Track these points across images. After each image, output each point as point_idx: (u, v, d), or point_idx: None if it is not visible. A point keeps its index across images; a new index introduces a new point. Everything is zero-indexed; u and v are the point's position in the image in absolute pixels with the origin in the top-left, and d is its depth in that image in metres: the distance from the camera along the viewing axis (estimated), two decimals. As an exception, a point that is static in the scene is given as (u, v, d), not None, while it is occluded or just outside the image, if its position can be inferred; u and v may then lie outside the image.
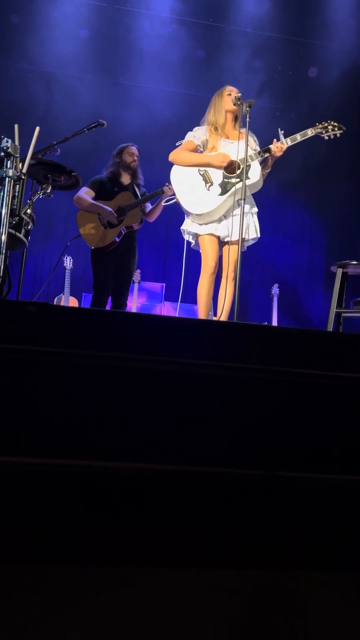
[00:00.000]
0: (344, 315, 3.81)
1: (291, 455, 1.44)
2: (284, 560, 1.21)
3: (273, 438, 1.46)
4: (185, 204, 3.13)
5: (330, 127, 3.10)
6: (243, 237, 2.95)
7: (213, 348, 1.53)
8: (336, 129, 3.11)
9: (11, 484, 1.22)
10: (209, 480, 1.36)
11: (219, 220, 3.10)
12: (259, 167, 3.07)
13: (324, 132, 3.11)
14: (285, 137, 3.06)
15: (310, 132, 3.10)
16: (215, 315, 3.54)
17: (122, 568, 1.16)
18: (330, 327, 3.74)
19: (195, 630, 1.08)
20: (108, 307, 3.99)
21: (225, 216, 3.10)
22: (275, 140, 3.08)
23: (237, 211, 3.03)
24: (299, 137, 3.07)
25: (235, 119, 3.16)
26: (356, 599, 1.17)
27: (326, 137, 3.14)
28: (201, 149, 3.19)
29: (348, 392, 1.52)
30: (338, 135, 3.13)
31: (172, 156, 3.18)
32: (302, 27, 5.88)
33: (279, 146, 3.04)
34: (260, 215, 3.22)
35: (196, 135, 3.18)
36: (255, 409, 1.47)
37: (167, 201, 3.63)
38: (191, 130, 3.23)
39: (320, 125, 3.11)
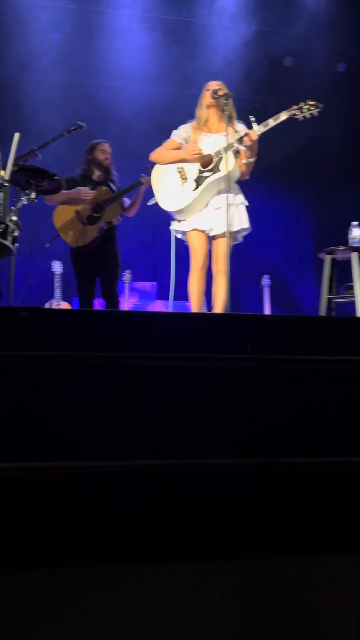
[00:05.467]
0: (335, 301, 3.83)
1: (291, 441, 1.45)
2: (279, 547, 1.22)
3: (272, 425, 1.47)
4: (161, 202, 3.18)
5: (305, 107, 3.00)
6: (228, 229, 2.95)
7: (205, 341, 1.54)
8: (312, 107, 3.00)
9: (11, 489, 1.22)
10: (215, 472, 1.36)
11: (201, 214, 3.10)
12: (233, 158, 3.07)
13: (298, 113, 3.01)
14: (258, 123, 3.02)
15: (283, 115, 3.01)
16: (210, 310, 3.54)
17: (123, 566, 1.17)
18: (322, 314, 3.76)
19: (195, 622, 1.09)
20: (97, 308, 3.95)
21: (207, 209, 3.11)
22: (246, 130, 3.07)
23: (220, 203, 3.04)
24: (271, 122, 3.00)
25: (222, 112, 3.13)
26: (350, 581, 1.19)
27: (301, 118, 3.03)
28: (184, 147, 3.20)
29: (343, 375, 1.53)
30: (315, 114, 3.01)
31: (152, 155, 3.22)
32: (275, 17, 5.89)
33: (250, 134, 2.99)
34: (247, 207, 3.22)
35: (178, 133, 3.21)
36: (253, 398, 1.48)
37: (150, 201, 3.60)
38: (175, 128, 3.26)
39: (295, 107, 3.02)
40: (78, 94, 5.90)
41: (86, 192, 3.62)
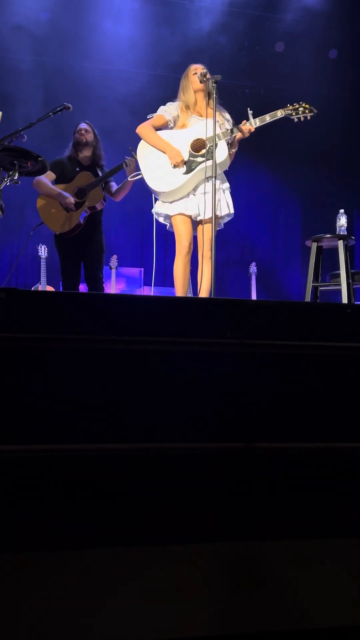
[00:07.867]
0: (320, 288, 3.83)
1: (270, 426, 1.46)
2: (259, 530, 1.23)
3: (252, 410, 1.47)
4: (149, 181, 3.11)
5: (301, 109, 3.06)
6: (215, 213, 2.93)
7: (187, 325, 1.53)
8: (307, 111, 3.06)
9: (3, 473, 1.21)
10: (197, 456, 1.36)
11: (188, 199, 3.08)
12: (226, 147, 3.05)
13: (294, 114, 3.06)
14: (254, 117, 3.03)
15: (279, 114, 3.05)
16: (196, 296, 3.52)
17: (116, 549, 1.17)
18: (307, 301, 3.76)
19: (175, 603, 1.10)
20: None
21: (193, 194, 3.08)
22: (244, 120, 3.05)
23: (207, 189, 3.01)
24: (268, 118, 3.03)
25: (209, 95, 3.09)
26: (335, 563, 1.20)
27: (296, 119, 3.09)
28: (172, 125, 3.16)
29: (323, 360, 1.53)
30: (309, 117, 3.08)
31: (139, 130, 3.16)
32: (267, 2, 5.82)
33: (247, 127, 3.01)
34: (234, 195, 3.20)
35: (168, 110, 3.15)
36: (233, 383, 1.48)
37: (133, 176, 3.54)
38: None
39: (290, 107, 3.07)
40: (63, 74, 5.80)
41: (72, 204, 3.59)
